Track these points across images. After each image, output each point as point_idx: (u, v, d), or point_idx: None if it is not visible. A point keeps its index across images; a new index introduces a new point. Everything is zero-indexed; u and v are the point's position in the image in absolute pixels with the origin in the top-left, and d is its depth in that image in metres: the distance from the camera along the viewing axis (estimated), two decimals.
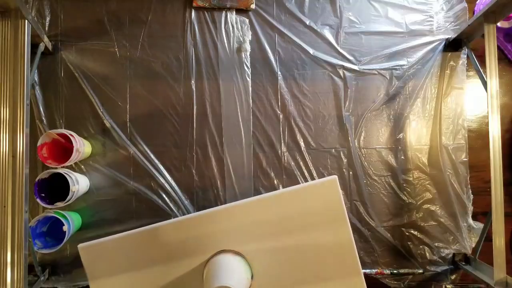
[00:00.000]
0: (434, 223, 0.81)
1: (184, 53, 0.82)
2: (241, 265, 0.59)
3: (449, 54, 0.83)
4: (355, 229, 0.80)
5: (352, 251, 0.63)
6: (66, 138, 0.73)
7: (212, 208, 0.63)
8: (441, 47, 0.83)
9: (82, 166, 0.79)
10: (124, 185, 0.80)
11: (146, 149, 0.80)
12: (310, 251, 0.63)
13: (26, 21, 0.66)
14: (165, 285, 0.62)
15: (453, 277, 0.80)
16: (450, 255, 0.81)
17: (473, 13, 0.84)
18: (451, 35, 0.82)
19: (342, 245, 0.63)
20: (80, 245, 0.62)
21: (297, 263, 0.63)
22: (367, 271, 0.79)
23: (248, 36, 0.82)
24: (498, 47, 0.81)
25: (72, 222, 0.73)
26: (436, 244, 0.81)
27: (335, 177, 0.63)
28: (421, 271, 0.80)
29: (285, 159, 0.81)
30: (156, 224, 0.63)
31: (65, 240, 0.71)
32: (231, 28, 0.82)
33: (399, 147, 0.82)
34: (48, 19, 0.81)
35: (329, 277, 0.63)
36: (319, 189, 0.63)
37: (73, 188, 0.70)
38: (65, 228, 0.70)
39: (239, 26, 0.82)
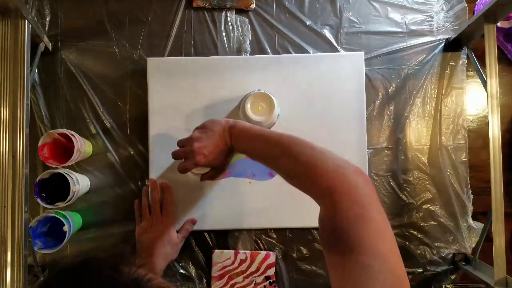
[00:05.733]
0: (434, 223, 0.81)
1: (183, 53, 0.82)
2: (275, 101, 0.74)
3: (449, 54, 0.83)
4: None
5: (362, 126, 0.79)
6: (67, 137, 0.73)
7: (256, 55, 0.81)
8: (441, 47, 0.83)
9: (83, 166, 0.79)
10: (125, 185, 0.80)
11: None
12: (329, 113, 0.79)
13: (26, 21, 0.66)
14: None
15: (453, 277, 0.80)
16: (450, 255, 0.81)
17: (473, 13, 0.84)
18: (451, 35, 0.82)
19: (355, 116, 0.79)
20: (149, 58, 0.78)
21: (315, 115, 0.79)
22: None
23: (248, 36, 0.82)
24: (498, 47, 0.81)
25: (72, 222, 0.73)
26: (436, 244, 0.81)
27: (363, 52, 0.80)
28: (421, 270, 0.80)
29: None
30: (212, 57, 0.80)
31: (65, 240, 0.71)
32: (231, 28, 0.82)
33: (399, 147, 0.82)
34: (48, 19, 0.81)
35: (338, 133, 0.79)
36: (347, 59, 0.80)
37: (73, 188, 0.70)
38: (65, 228, 0.70)
39: (239, 26, 0.82)
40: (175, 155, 0.67)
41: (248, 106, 0.72)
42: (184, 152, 0.65)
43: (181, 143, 0.67)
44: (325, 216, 0.45)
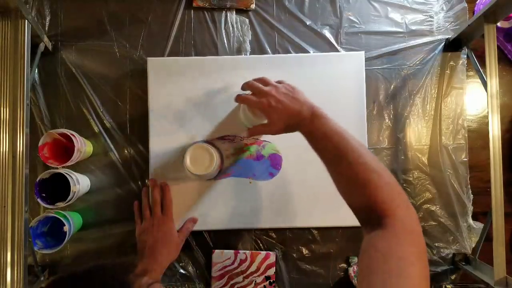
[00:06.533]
0: (434, 223, 0.81)
1: (183, 53, 0.82)
2: None
3: (449, 54, 0.83)
4: (355, 228, 0.80)
5: (363, 126, 0.78)
6: (67, 137, 0.73)
7: (256, 55, 0.81)
8: (441, 47, 0.83)
9: (83, 166, 0.79)
10: (125, 185, 0.80)
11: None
12: (329, 113, 0.71)
13: (26, 21, 0.66)
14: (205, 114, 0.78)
15: (453, 277, 0.81)
16: (450, 255, 0.81)
17: (473, 13, 0.84)
18: (451, 35, 0.82)
19: (355, 116, 0.78)
20: (149, 58, 0.78)
21: None
22: None
23: (248, 36, 0.82)
24: (498, 47, 0.81)
25: (72, 222, 0.73)
26: (436, 244, 0.81)
27: (363, 52, 0.80)
28: None
29: None
30: (212, 57, 0.80)
31: (65, 240, 0.71)
32: (231, 28, 0.82)
33: (399, 147, 0.82)
34: (48, 19, 0.81)
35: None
36: (347, 59, 0.79)
37: (74, 188, 0.70)
38: (65, 228, 0.70)
39: (239, 26, 0.82)
40: (247, 86, 0.66)
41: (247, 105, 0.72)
42: (259, 89, 0.63)
43: (261, 81, 0.65)
44: (379, 235, 0.46)
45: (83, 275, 0.34)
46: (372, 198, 0.49)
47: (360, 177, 0.50)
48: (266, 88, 0.63)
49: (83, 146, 0.74)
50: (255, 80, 0.66)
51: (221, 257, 0.79)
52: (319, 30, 0.83)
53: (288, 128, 0.62)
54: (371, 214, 0.49)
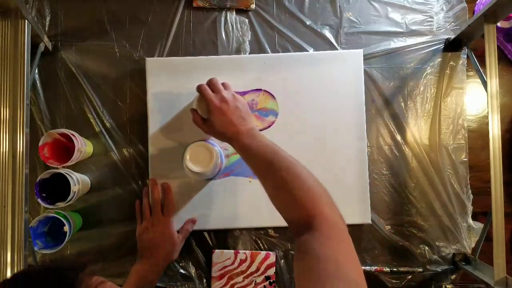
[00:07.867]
0: (434, 222, 0.81)
1: (183, 53, 0.82)
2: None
3: (449, 54, 0.83)
4: (356, 227, 0.80)
5: (362, 125, 0.79)
6: (68, 137, 0.73)
7: (256, 54, 0.81)
8: (441, 47, 0.83)
9: (83, 166, 0.79)
10: (125, 185, 0.80)
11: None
12: (328, 112, 0.79)
13: (26, 21, 0.66)
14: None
15: (453, 277, 0.81)
16: (450, 255, 0.81)
17: (473, 13, 0.84)
18: (451, 35, 0.83)
19: (354, 115, 0.79)
20: (147, 58, 0.78)
21: (314, 114, 0.79)
22: (367, 268, 0.79)
23: (248, 36, 0.82)
24: (498, 47, 0.81)
25: (73, 222, 0.73)
26: (436, 243, 0.81)
27: (361, 50, 0.80)
28: (420, 270, 0.80)
29: None
30: (212, 56, 0.80)
31: (66, 240, 0.71)
32: (230, 28, 0.82)
33: (399, 147, 0.82)
34: (48, 19, 0.81)
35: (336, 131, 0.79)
36: (346, 57, 0.80)
37: (74, 188, 0.70)
38: (66, 228, 0.70)
39: (239, 26, 0.82)
40: (209, 81, 0.69)
41: None
42: (218, 89, 0.67)
43: (217, 83, 0.69)
44: (311, 237, 0.47)
45: (33, 274, 0.36)
46: (300, 200, 0.52)
47: (288, 182, 0.54)
48: (224, 93, 0.67)
49: (83, 146, 0.74)
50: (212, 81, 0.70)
51: (221, 257, 0.79)
52: (319, 30, 0.83)
53: (221, 136, 0.66)
54: (300, 217, 0.51)
